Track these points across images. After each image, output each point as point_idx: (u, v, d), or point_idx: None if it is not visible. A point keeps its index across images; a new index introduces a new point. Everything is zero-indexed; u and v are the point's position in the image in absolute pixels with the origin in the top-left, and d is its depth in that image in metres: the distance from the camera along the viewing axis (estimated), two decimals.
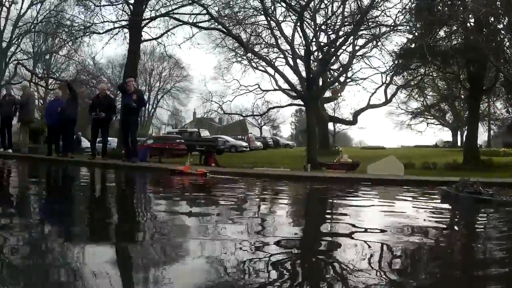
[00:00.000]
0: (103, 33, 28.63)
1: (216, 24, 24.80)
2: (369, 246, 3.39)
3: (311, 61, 23.97)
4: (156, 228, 4.01)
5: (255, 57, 32.26)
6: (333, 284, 2.52)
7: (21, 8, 39.61)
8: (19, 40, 41.10)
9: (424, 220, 5.33)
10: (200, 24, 26.48)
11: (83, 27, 29.23)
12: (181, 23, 26.88)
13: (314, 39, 24.85)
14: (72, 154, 17.10)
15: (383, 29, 24.12)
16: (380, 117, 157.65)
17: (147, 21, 27.95)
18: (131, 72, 23.17)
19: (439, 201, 8.07)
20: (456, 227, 5.39)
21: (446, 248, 3.79)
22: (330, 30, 25.79)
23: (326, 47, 24.94)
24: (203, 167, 15.50)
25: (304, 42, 23.92)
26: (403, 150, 40.04)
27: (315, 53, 24.86)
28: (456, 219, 6.26)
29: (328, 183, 11.75)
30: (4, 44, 39.72)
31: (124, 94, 16.12)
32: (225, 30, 24.92)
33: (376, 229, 4.43)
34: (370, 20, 23.34)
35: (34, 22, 38.57)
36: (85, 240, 3.26)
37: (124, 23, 28.17)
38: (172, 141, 28.65)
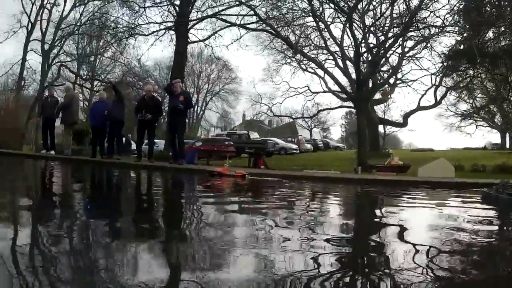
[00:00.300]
0: (148, 34, 28.94)
1: (264, 25, 24.69)
2: (418, 247, 3.33)
3: (361, 62, 23.57)
4: (206, 228, 3.89)
5: (305, 59, 32.13)
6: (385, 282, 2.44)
7: (63, 10, 40.07)
8: (62, 42, 41.51)
9: (469, 222, 5.07)
10: (248, 26, 26.39)
11: (127, 29, 29.56)
12: (228, 24, 26.83)
13: (363, 41, 24.48)
14: (118, 156, 17.23)
15: (432, 30, 23.65)
16: (429, 119, 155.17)
17: (193, 22, 28.10)
18: (178, 73, 23.22)
19: (483, 203, 7.71)
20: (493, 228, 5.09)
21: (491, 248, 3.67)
22: (379, 31, 25.45)
23: (376, 49, 24.54)
24: (251, 170, 15.45)
25: (353, 44, 23.57)
26: (452, 152, 39.13)
27: (365, 55, 24.46)
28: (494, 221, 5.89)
29: (378, 185, 11.58)
30: (46, 46, 40.06)
31: (171, 96, 16.11)
32: (273, 32, 24.75)
33: (426, 230, 4.35)
34: (419, 22, 22.91)
35: (78, 24, 39.07)
36: (139, 240, 3.20)
37: (169, 24, 28.35)
38: (221, 143, 28.60)
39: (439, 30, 23.21)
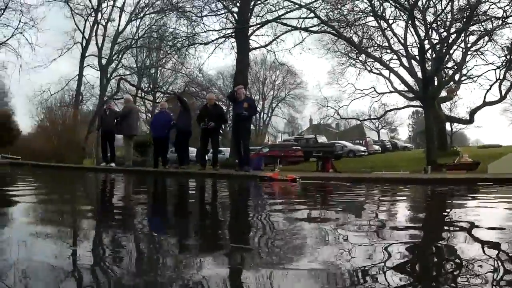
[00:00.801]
0: (208, 43, 29.35)
1: (326, 27, 24.59)
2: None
3: (426, 59, 23.16)
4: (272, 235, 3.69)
5: (369, 60, 31.87)
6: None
7: (118, 25, 40.84)
8: (120, 56, 42.21)
9: None
10: (309, 29, 26.27)
11: (186, 38, 30.07)
12: (289, 28, 26.83)
13: (426, 38, 24.05)
14: (184, 166, 17.15)
15: (494, 23, 23.10)
16: (495, 115, 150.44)
17: (253, 28, 28.25)
18: (241, 80, 23.35)
19: None
20: None
21: None
22: (441, 27, 25.00)
23: (439, 45, 24.09)
24: (319, 173, 15.40)
25: (417, 41, 23.20)
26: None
27: (429, 52, 24.03)
28: None
29: (449, 184, 11.17)
30: (103, 61, 40.80)
31: (234, 103, 16.10)
32: (335, 33, 24.62)
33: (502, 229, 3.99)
34: (480, 14, 22.43)
35: (135, 37, 39.80)
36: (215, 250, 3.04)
37: (229, 31, 28.63)
38: (288, 148, 28.66)
39: (502, 22, 22.71)
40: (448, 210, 6.19)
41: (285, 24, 26.74)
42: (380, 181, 12.32)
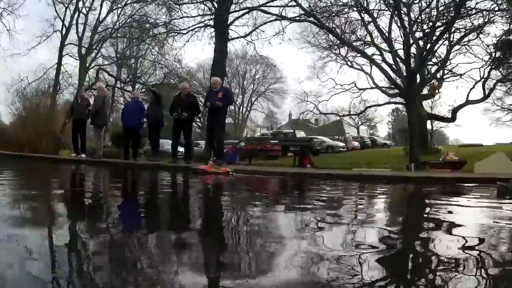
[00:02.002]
0: (186, 32, 28.49)
1: (308, 17, 23.48)
2: None
3: (411, 54, 22.04)
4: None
5: (349, 54, 30.96)
6: None
7: (99, 13, 39.56)
8: (100, 46, 41.02)
9: None
10: (290, 16, 25.25)
11: (163, 25, 29.34)
12: (270, 16, 25.88)
13: (410, 32, 22.93)
14: (153, 158, 16.23)
15: (480, 20, 22.28)
16: (475, 114, 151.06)
17: (233, 17, 27.29)
18: (219, 71, 22.11)
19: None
20: None
21: None
22: (426, 22, 23.94)
23: (424, 39, 22.99)
24: (296, 169, 14.36)
25: (403, 34, 22.09)
26: (500, 147, 37.39)
27: (413, 47, 22.85)
28: None
29: (436, 184, 10.25)
30: (83, 50, 39.59)
31: (210, 93, 14.95)
32: (317, 23, 23.41)
33: None
34: (469, 8, 21.50)
35: (115, 27, 38.46)
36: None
37: (207, 18, 27.67)
38: (265, 142, 27.52)
39: (487, 17, 21.92)
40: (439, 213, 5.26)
41: (266, 12, 25.62)
42: (361, 179, 11.26)
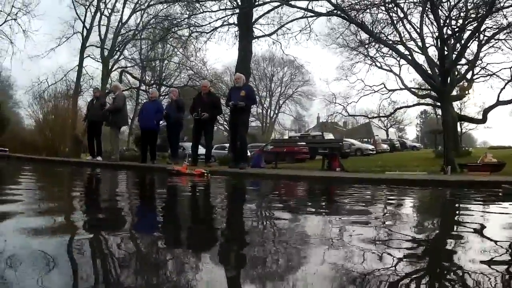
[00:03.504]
0: (210, 31, 27.58)
1: (336, 11, 22.37)
2: None
3: (445, 50, 20.77)
4: None
5: (378, 55, 29.99)
6: None
7: (121, 15, 39.25)
8: (122, 48, 40.61)
9: None
10: (318, 11, 24.13)
11: (187, 26, 28.27)
12: (295, 12, 25.14)
13: (446, 25, 21.67)
14: (176, 161, 15.23)
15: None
16: (503, 116, 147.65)
17: (257, 16, 26.57)
18: (243, 70, 21.12)
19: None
20: None
21: None
22: (457, 19, 22.69)
23: (456, 35, 21.69)
24: (325, 172, 13.36)
25: (437, 29, 20.83)
26: None
27: (449, 41, 21.57)
28: None
29: (479, 188, 9.16)
30: (105, 52, 39.29)
31: (232, 92, 14.11)
32: (346, 17, 22.24)
33: None
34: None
35: (138, 28, 37.87)
36: None
37: (232, 19, 26.80)
38: (292, 144, 26.42)
39: None
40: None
41: (292, 6, 24.48)
42: (397, 183, 10.10)
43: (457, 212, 5.90)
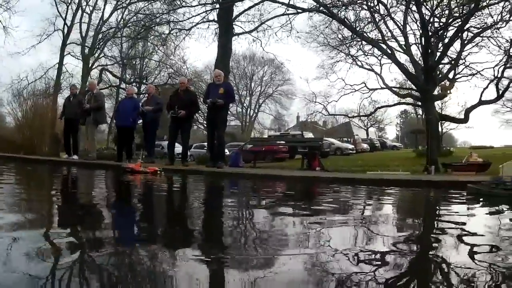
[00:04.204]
0: (189, 28, 27.20)
1: (319, 6, 21.90)
2: None
3: (429, 48, 20.33)
4: None
5: (360, 53, 29.60)
6: None
7: (103, 13, 38.82)
8: (103, 46, 39.98)
9: None
10: (300, 7, 23.55)
11: (167, 23, 28.01)
12: (276, 7, 24.69)
13: (430, 23, 21.28)
14: (153, 160, 14.80)
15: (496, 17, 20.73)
16: (483, 116, 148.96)
17: (237, 12, 26.05)
18: (222, 67, 20.49)
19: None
20: None
21: None
22: (442, 17, 22.35)
23: (440, 33, 21.33)
24: (305, 172, 12.86)
25: (421, 27, 20.37)
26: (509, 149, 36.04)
27: (432, 39, 21.17)
28: None
29: (462, 188, 8.42)
30: (86, 50, 38.74)
31: (210, 89, 13.55)
32: (327, 12, 21.74)
33: None
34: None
35: (119, 26, 37.11)
36: None
37: (212, 17, 26.25)
38: (271, 143, 25.86)
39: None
40: None
41: (274, 1, 23.95)
42: (380, 183, 9.59)
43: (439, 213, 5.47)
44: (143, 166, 11.53)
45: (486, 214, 5.48)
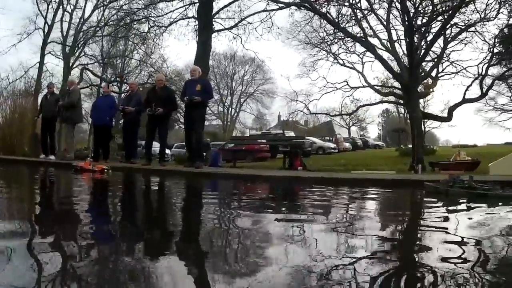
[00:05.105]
0: (168, 25, 27.15)
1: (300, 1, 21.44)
2: None
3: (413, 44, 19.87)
4: None
5: (342, 51, 29.26)
6: None
7: (83, 11, 38.27)
8: (83, 45, 39.40)
9: None
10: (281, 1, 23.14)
11: (146, 20, 27.79)
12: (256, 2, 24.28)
13: (415, 17, 20.86)
14: (134, 160, 14.17)
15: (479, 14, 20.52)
16: (465, 114, 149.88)
17: (217, 8, 25.63)
18: (202, 65, 19.85)
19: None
20: None
21: None
22: (425, 12, 21.98)
23: (424, 28, 20.95)
24: (286, 172, 12.30)
25: (406, 22, 19.89)
26: (494, 148, 36.00)
27: (416, 36, 20.73)
28: None
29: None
30: (67, 49, 38.09)
31: (187, 86, 12.97)
32: (309, 7, 21.23)
33: None
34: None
35: (100, 25, 36.24)
36: None
37: (191, 13, 25.98)
38: (252, 142, 25.20)
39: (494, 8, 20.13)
40: None
41: None
42: (366, 183, 9.08)
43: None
44: (92, 165, 11.42)
45: None
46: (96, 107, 15.39)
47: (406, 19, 19.34)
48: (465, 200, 6.42)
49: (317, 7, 20.81)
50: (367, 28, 22.94)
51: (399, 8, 20.52)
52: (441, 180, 7.93)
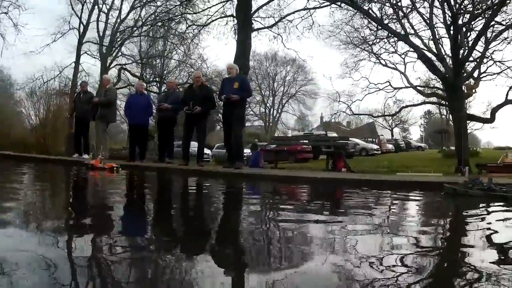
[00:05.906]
0: (206, 24, 27.39)
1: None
2: None
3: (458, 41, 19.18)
4: None
5: (384, 51, 28.83)
6: None
7: (120, 11, 38.38)
8: (120, 45, 39.53)
9: None
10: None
11: (181, 14, 28.25)
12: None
13: (459, 12, 20.20)
14: (171, 160, 13.93)
15: None
16: (507, 116, 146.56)
17: (256, 6, 25.65)
18: (242, 64, 19.55)
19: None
20: None
21: None
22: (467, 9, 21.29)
23: (468, 25, 20.25)
24: (329, 173, 11.93)
25: (450, 18, 19.27)
26: None
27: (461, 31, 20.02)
28: None
29: None
30: (104, 49, 38.32)
31: (224, 84, 12.63)
32: (350, 4, 20.80)
33: None
34: None
35: (137, 25, 36.79)
36: None
37: (230, 12, 26.11)
38: (294, 142, 24.71)
39: None
40: None
41: None
42: (415, 186, 8.62)
43: None
44: (102, 163, 11.58)
45: None
46: (131, 106, 15.03)
47: (450, 14, 18.72)
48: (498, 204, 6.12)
49: (360, 4, 20.43)
50: (409, 28, 22.42)
51: (440, 6, 19.92)
52: (463, 181, 7.80)
